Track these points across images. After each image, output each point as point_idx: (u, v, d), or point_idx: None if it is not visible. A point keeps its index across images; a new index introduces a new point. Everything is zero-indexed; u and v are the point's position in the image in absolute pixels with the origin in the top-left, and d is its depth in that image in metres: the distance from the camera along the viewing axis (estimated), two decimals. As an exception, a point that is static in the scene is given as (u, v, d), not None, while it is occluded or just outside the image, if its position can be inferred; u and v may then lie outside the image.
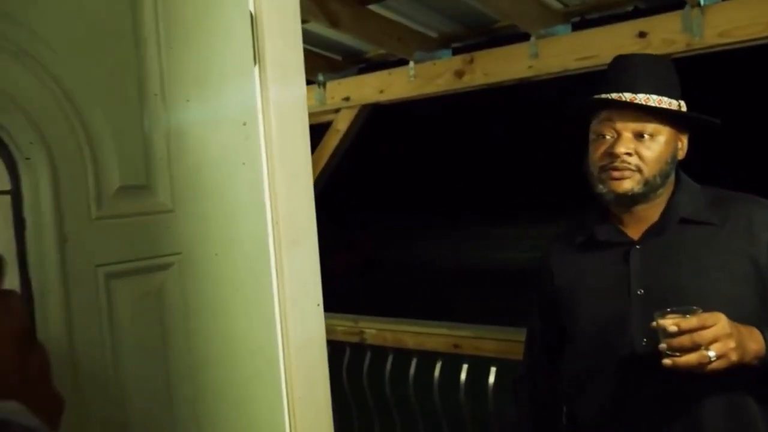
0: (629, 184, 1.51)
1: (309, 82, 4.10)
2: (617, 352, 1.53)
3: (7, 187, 0.97)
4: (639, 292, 1.52)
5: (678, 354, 1.31)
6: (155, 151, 1.13)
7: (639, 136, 1.51)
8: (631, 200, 1.54)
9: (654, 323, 1.35)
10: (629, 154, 1.50)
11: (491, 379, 3.45)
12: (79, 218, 1.02)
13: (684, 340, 1.30)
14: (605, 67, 1.65)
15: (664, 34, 2.88)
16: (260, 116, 1.32)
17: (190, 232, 1.17)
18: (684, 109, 1.55)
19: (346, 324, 4.00)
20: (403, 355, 3.83)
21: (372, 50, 3.87)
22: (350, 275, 14.09)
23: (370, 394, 3.99)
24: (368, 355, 3.98)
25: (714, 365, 1.30)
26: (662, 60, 1.61)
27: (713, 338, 1.29)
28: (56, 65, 1.00)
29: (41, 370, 0.51)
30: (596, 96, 1.56)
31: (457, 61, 3.49)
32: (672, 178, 1.58)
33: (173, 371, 1.14)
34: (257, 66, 1.33)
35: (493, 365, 3.35)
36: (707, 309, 1.35)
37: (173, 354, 1.14)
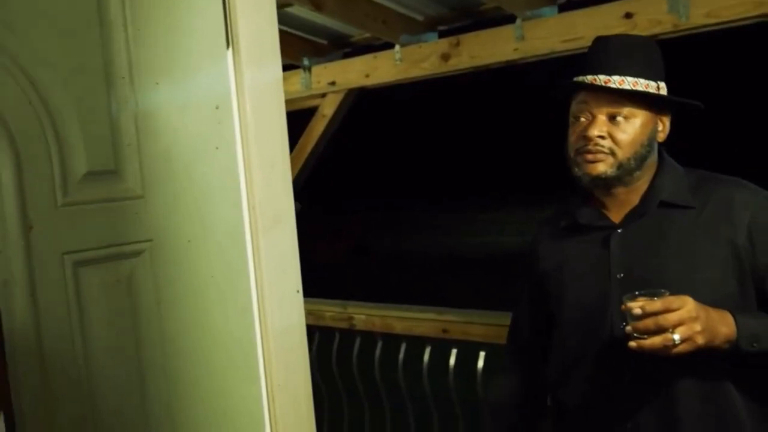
0: (602, 167, 1.49)
1: (294, 67, 4.06)
2: (599, 337, 1.53)
3: (-31, 173, 0.94)
4: (618, 276, 1.51)
5: (644, 337, 1.31)
6: (123, 135, 1.10)
7: (613, 118, 1.49)
8: (605, 183, 1.52)
9: (622, 306, 1.35)
10: (602, 137, 1.49)
11: (480, 363, 3.45)
12: (43, 205, 1.00)
13: (648, 322, 1.30)
14: (588, 50, 1.63)
15: (651, 15, 2.85)
16: (234, 100, 1.30)
17: (161, 219, 1.15)
18: (663, 91, 1.53)
19: (334, 310, 3.98)
20: (392, 340, 3.83)
21: (357, 34, 3.83)
22: (339, 262, 14.09)
23: (360, 380, 3.99)
24: (357, 341, 3.98)
25: (679, 348, 1.30)
26: (643, 41, 1.59)
27: (678, 321, 1.29)
28: (18, 49, 0.98)
29: None
30: (573, 79, 1.55)
31: (444, 44, 3.46)
32: (653, 160, 1.56)
33: (145, 360, 1.12)
34: (230, 48, 1.31)
35: (482, 350, 3.34)
36: (685, 292, 1.35)
37: (145, 342, 1.12)
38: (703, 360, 1.39)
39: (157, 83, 1.15)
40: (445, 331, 3.51)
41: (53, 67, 1.01)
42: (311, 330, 4.20)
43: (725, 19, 2.71)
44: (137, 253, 1.12)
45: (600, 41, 1.56)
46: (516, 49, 3.23)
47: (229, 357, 1.25)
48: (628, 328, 1.33)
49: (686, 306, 1.30)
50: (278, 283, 1.37)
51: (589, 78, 1.51)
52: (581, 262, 1.59)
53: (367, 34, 3.76)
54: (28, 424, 0.96)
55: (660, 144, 1.59)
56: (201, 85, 1.22)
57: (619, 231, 1.55)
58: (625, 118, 1.49)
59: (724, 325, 1.34)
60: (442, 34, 3.62)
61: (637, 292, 1.36)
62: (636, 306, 1.32)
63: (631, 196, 1.56)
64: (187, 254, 1.18)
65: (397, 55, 3.57)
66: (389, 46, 3.67)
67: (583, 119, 1.52)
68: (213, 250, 1.23)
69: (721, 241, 1.45)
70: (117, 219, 1.09)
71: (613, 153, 1.49)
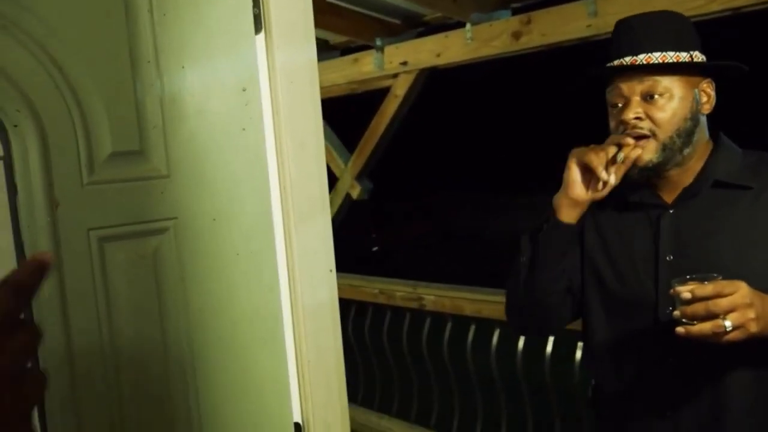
0: (647, 156, 1.44)
1: (367, 48, 4.08)
2: (644, 321, 1.47)
3: (0, 153, 1.01)
4: (668, 258, 1.46)
5: (693, 323, 1.24)
6: (149, 117, 1.15)
7: (648, 98, 1.43)
8: (654, 172, 1.46)
9: (671, 290, 1.29)
10: (639, 119, 1.43)
11: (549, 348, 3.41)
12: (69, 183, 1.05)
13: (698, 307, 1.23)
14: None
15: (733, -14, 2.69)
16: (265, 82, 1.32)
17: (186, 197, 1.19)
18: (698, 59, 1.45)
19: (405, 290, 4.01)
20: (461, 321, 3.83)
21: (430, 13, 3.81)
22: (421, 243, 14.03)
23: (429, 360, 4.01)
24: (428, 321, 4.00)
25: (730, 336, 1.22)
26: (667, 15, 1.51)
27: (730, 307, 1.21)
28: (44, 33, 1.03)
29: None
30: (592, 69, 1.52)
31: (514, 22, 3.39)
32: (704, 138, 1.49)
33: (169, 333, 1.17)
34: (263, 31, 1.33)
35: (551, 333, 3.30)
36: (739, 277, 1.27)
37: (169, 315, 1.17)
38: (754, 350, 1.32)
39: (183, 67, 1.19)
40: (513, 314, 3.46)
41: (79, 52, 1.07)
42: (383, 309, 4.27)
43: (814, -10, 2.53)
44: (162, 231, 1.17)
45: (621, 24, 1.51)
46: (589, 26, 3.13)
47: (255, 332, 1.29)
48: (676, 312, 1.27)
49: (740, 291, 1.22)
50: (310, 263, 1.39)
51: (616, 63, 1.46)
52: (629, 241, 1.53)
53: (440, 14, 3.73)
54: (53, 398, 1.02)
55: (715, 125, 1.52)
56: (227, 68, 1.25)
57: (670, 211, 1.49)
58: (660, 94, 1.43)
59: None
60: (516, 12, 3.54)
61: (687, 276, 1.29)
62: (685, 290, 1.25)
63: (684, 177, 1.49)
64: (211, 232, 1.23)
65: (468, 34, 3.53)
66: (461, 25, 3.62)
67: (620, 105, 1.47)
68: (238, 229, 1.26)
69: None
70: (142, 197, 1.14)
71: (654, 134, 1.43)
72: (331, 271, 1.46)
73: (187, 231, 1.20)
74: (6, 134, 1.01)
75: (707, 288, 1.23)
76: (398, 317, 4.19)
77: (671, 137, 1.43)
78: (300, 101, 1.38)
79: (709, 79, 1.49)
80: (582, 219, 1.65)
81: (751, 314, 1.22)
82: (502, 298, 3.66)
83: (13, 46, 1.00)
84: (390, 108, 4.03)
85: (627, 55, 1.44)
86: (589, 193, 1.48)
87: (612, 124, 1.50)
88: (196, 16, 1.21)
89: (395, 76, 3.96)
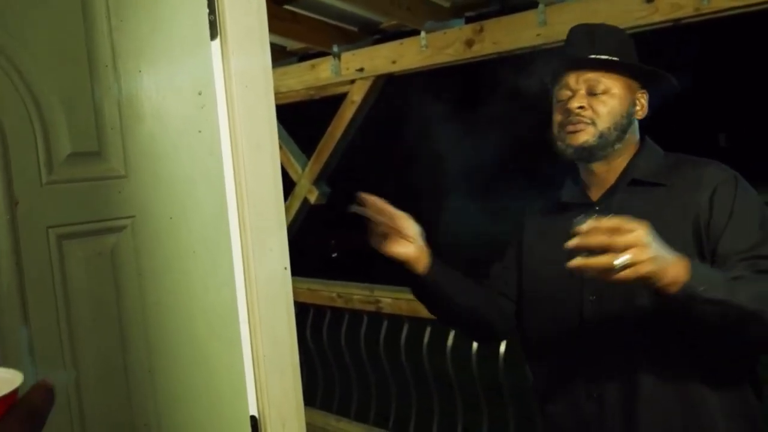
0: (584, 137, 1.57)
1: (325, 54, 4.13)
2: (570, 312, 1.58)
3: (-40, 153, 1.04)
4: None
5: (588, 256, 1.26)
6: (107, 119, 1.19)
7: (592, 93, 1.57)
8: (588, 153, 1.58)
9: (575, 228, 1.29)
10: (582, 108, 1.56)
11: (502, 348, 3.49)
12: (28, 182, 1.09)
13: (599, 238, 1.25)
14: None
15: (673, -1, 2.83)
16: (219, 86, 1.37)
17: (143, 197, 1.23)
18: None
19: (362, 293, 4.06)
20: (418, 324, 3.89)
21: (387, 21, 3.88)
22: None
23: (387, 362, 4.07)
24: (385, 324, 4.06)
25: (621, 274, 1.24)
26: (616, 29, 1.67)
27: (627, 244, 1.23)
28: (2, 37, 1.07)
29: None
30: (551, 62, 1.64)
31: (467, 30, 3.48)
32: (631, 137, 1.62)
33: (126, 328, 1.21)
34: (218, 38, 1.38)
35: (502, 339, 3.38)
36: None
37: (126, 312, 1.21)
38: (666, 344, 1.42)
39: (140, 70, 1.23)
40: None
41: (37, 55, 1.10)
42: (340, 313, 4.31)
43: (747, 2, 2.67)
44: (120, 229, 1.21)
45: (577, 27, 1.65)
46: (539, 35, 3.23)
47: (211, 327, 1.33)
48: (574, 241, 1.28)
49: (639, 230, 1.25)
50: (264, 260, 1.44)
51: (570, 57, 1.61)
52: (558, 238, 1.63)
53: (395, 21, 3.80)
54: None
55: (643, 130, 1.65)
56: (183, 72, 1.30)
57: (596, 208, 1.60)
58: (603, 92, 1.57)
59: (676, 267, 1.28)
60: (469, 20, 3.63)
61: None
62: (588, 223, 1.27)
63: (609, 175, 1.63)
64: (168, 230, 1.27)
65: (423, 42, 3.61)
66: (417, 32, 3.71)
67: (565, 97, 1.60)
68: (195, 227, 1.31)
69: (688, 218, 1.49)
70: (100, 196, 1.18)
71: (593, 122, 1.56)
72: (285, 268, 1.51)
73: (145, 229, 1.24)
74: (-35, 134, 1.04)
75: (610, 221, 1.25)
76: (356, 320, 4.24)
77: (609, 128, 1.57)
78: (255, 105, 1.43)
79: (644, 91, 1.63)
80: (523, 216, 1.78)
81: (645, 255, 1.24)
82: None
83: (-27, 49, 1.04)
84: (347, 113, 4.09)
85: (582, 52, 1.58)
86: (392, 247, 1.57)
87: (558, 118, 1.62)
88: (153, 22, 1.26)
89: (352, 82, 4.02)
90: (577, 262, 1.27)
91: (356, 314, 4.23)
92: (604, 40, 1.59)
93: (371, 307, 4.04)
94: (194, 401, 1.33)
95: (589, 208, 1.61)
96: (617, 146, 1.59)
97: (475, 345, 3.65)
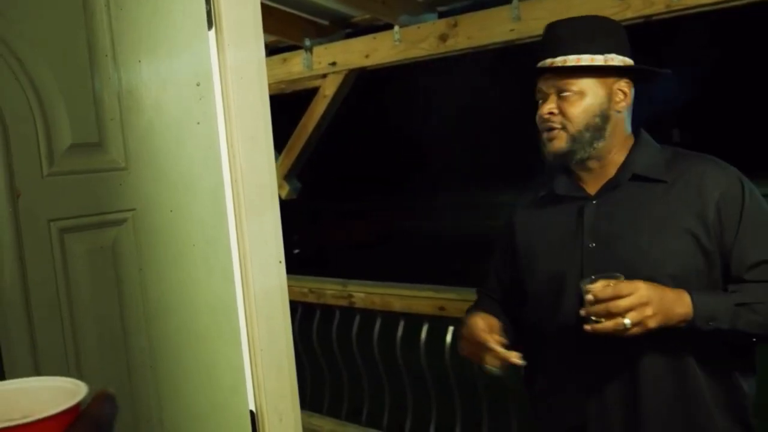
0: (557, 144, 1.58)
1: (296, 48, 4.10)
2: (568, 308, 1.59)
3: (-41, 144, 1.01)
4: (590, 246, 1.57)
5: (600, 321, 1.40)
6: (107, 110, 1.17)
7: (562, 95, 1.58)
8: (564, 158, 1.60)
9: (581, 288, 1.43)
10: (552, 113, 1.58)
11: (476, 340, 3.52)
12: (30, 174, 1.06)
13: (600, 308, 1.39)
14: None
15: (644, -4, 2.88)
16: (216, 77, 1.36)
17: (144, 189, 1.21)
18: (614, 62, 1.58)
19: (335, 288, 4.05)
20: (390, 318, 3.90)
21: (359, 15, 3.87)
22: (357, 245, 14.10)
23: (360, 357, 4.07)
24: (357, 318, 4.06)
25: (631, 331, 1.38)
26: (590, 19, 1.66)
27: (628, 307, 1.37)
28: (5, 29, 1.04)
29: None
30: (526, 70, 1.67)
31: (441, 24, 3.49)
32: (618, 131, 1.62)
33: (128, 320, 1.19)
34: (213, 28, 1.37)
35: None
36: (654, 263, 1.44)
37: (128, 304, 1.19)
38: (664, 337, 1.46)
39: (140, 61, 1.21)
40: (441, 308, 3.57)
41: (38, 45, 1.08)
42: (313, 308, 4.29)
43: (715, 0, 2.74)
44: (121, 222, 1.19)
45: (548, 28, 1.65)
46: (512, 30, 3.26)
47: (212, 321, 1.32)
48: (583, 311, 1.42)
49: (637, 292, 1.38)
50: (260, 253, 1.43)
51: (539, 65, 1.61)
52: (556, 231, 1.66)
53: (368, 15, 3.79)
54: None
55: (639, 123, 1.66)
56: (182, 64, 1.28)
57: (593, 202, 1.61)
58: (573, 93, 1.57)
59: (679, 306, 1.40)
60: (442, 15, 3.65)
61: (593, 276, 1.44)
62: (589, 293, 1.41)
63: (606, 170, 1.62)
64: (169, 223, 1.25)
65: (396, 36, 3.61)
66: (390, 26, 3.70)
67: (540, 101, 1.62)
68: (194, 220, 1.29)
69: (692, 216, 1.51)
70: (101, 189, 1.16)
71: (564, 127, 1.57)
72: (280, 262, 1.50)
73: (145, 222, 1.22)
74: (-34, 125, 1.01)
75: (606, 291, 1.39)
76: (328, 316, 4.23)
77: (580, 131, 1.57)
78: (250, 97, 1.42)
79: (626, 79, 1.62)
80: (513, 215, 1.78)
81: (648, 312, 1.38)
82: (430, 294, 3.76)
83: (-27, 36, 1.01)
84: (319, 108, 4.07)
85: (548, 57, 1.59)
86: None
87: (538, 123, 1.64)
88: (152, 11, 1.23)
89: (324, 76, 4.00)
90: (589, 327, 1.41)
91: (328, 309, 4.22)
92: (578, 36, 1.58)
93: (344, 302, 4.03)
94: (195, 395, 1.32)
95: (586, 201, 1.63)
96: (597, 144, 1.59)
97: (448, 338, 3.67)
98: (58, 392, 0.48)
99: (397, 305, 3.81)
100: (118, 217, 1.18)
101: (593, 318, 1.40)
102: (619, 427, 1.55)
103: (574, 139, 1.57)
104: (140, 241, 1.21)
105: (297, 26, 3.93)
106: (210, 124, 1.33)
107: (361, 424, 4.09)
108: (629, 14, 2.92)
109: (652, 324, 1.38)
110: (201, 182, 1.31)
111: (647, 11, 2.88)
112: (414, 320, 3.81)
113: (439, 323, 3.66)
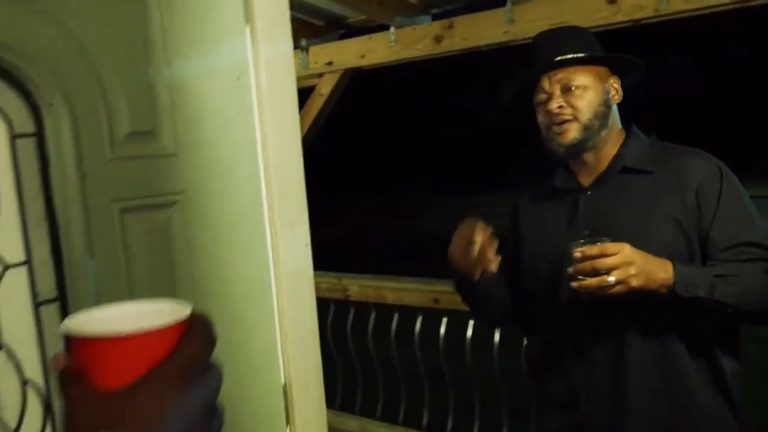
0: (571, 134, 1.71)
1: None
2: (563, 289, 1.71)
3: (32, 130, 1.10)
4: (585, 233, 1.71)
5: (585, 279, 1.52)
6: (160, 101, 1.26)
7: (567, 90, 1.70)
8: (578, 148, 1.72)
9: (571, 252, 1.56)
10: (562, 107, 1.70)
11: (469, 332, 3.63)
12: (96, 158, 1.16)
13: (586, 265, 1.51)
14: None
15: (633, 0, 3.02)
16: (252, 71, 1.46)
17: (191, 174, 1.31)
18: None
19: (330, 281, 4.14)
20: (385, 310, 4.00)
21: (353, 16, 3.97)
22: (340, 243, 14.16)
23: (354, 350, 4.16)
24: (352, 311, 4.15)
25: (614, 289, 1.50)
26: (575, 29, 1.86)
27: (612, 265, 1.49)
28: (73, 22, 1.13)
29: None
30: (525, 72, 1.78)
31: (437, 26, 3.61)
32: (613, 123, 1.76)
33: (178, 296, 1.28)
34: (248, 25, 1.47)
35: (472, 319, 3.51)
36: (639, 248, 1.54)
37: (178, 280, 1.29)
38: (648, 311, 1.59)
39: (187, 56, 1.31)
40: (436, 301, 3.67)
41: (99, 35, 1.17)
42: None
43: (705, 5, 2.88)
44: (171, 204, 1.29)
45: (540, 36, 1.80)
46: (506, 32, 3.39)
47: (249, 297, 1.42)
48: (570, 269, 1.54)
49: (622, 252, 1.50)
50: (289, 236, 1.53)
51: (540, 66, 1.74)
52: (555, 221, 1.80)
53: (363, 16, 3.90)
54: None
55: (631, 119, 1.80)
56: (224, 58, 1.38)
57: (588, 193, 1.75)
58: (576, 87, 1.70)
59: (661, 271, 1.53)
60: (435, 17, 3.77)
61: (581, 240, 1.57)
62: (576, 250, 1.53)
63: (599, 163, 1.76)
64: (213, 206, 1.35)
65: (392, 37, 3.72)
66: (384, 27, 3.81)
67: (543, 100, 1.73)
68: (233, 204, 1.39)
69: (674, 204, 1.64)
70: (155, 173, 1.25)
71: (576, 118, 1.70)
72: (306, 245, 1.60)
73: (193, 205, 1.31)
74: (39, 113, 1.10)
75: (593, 249, 1.51)
76: (323, 309, 4.31)
77: (590, 119, 1.71)
78: (281, 91, 1.52)
79: (615, 76, 1.78)
80: (517, 206, 1.92)
81: (632, 270, 1.49)
82: (423, 287, 3.86)
83: (48, 32, 1.10)
84: (315, 106, 4.16)
85: (546, 59, 1.72)
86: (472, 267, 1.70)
87: (540, 116, 1.77)
88: (196, 8, 1.33)
89: (320, 75, 4.10)
90: (575, 284, 1.54)
91: (323, 303, 4.30)
92: (567, 40, 1.74)
93: (339, 295, 4.13)
94: (231, 368, 1.41)
95: (581, 193, 1.77)
96: (603, 133, 1.73)
97: (442, 331, 3.78)
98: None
99: (391, 298, 3.91)
100: (169, 199, 1.28)
101: (580, 277, 1.52)
102: (607, 396, 1.69)
103: (585, 128, 1.70)
104: (188, 222, 1.31)
105: (292, 26, 4.01)
106: (247, 116, 1.42)
107: (354, 414, 4.18)
108: (619, 18, 3.06)
109: (634, 283, 1.49)
110: (239, 169, 1.41)
111: (637, 15, 3.02)
112: (408, 312, 3.91)
113: (433, 315, 3.77)
